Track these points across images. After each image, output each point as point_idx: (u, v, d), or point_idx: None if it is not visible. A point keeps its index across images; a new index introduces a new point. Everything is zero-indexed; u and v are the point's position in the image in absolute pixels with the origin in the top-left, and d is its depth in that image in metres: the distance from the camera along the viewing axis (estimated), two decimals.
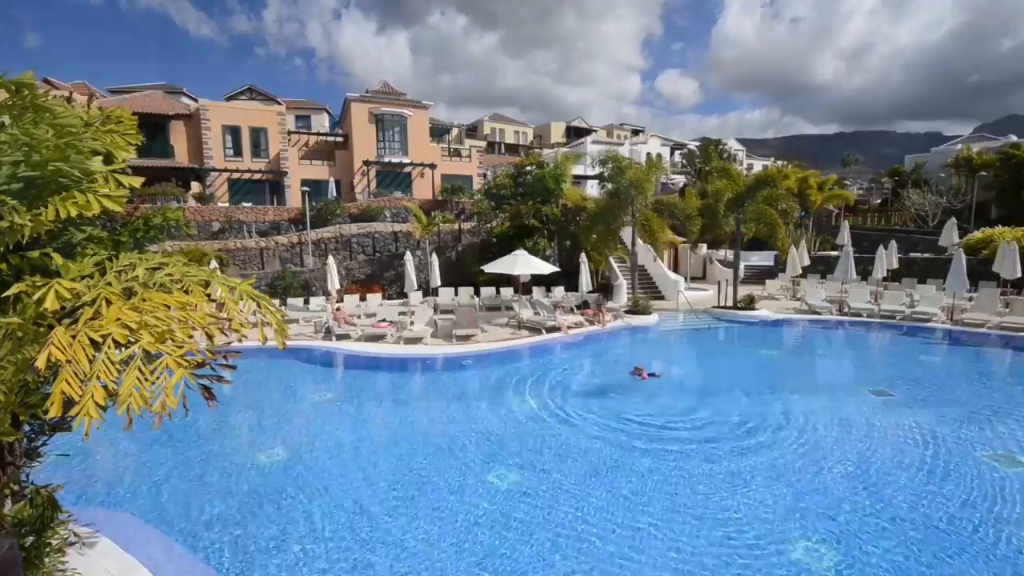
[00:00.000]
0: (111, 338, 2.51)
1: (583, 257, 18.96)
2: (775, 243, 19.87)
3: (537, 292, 20.42)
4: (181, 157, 30.55)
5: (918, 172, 42.50)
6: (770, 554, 5.36)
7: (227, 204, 29.38)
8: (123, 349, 2.58)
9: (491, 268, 17.24)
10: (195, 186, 30.25)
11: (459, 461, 7.68)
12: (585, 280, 18.40)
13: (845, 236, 24.36)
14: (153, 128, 29.53)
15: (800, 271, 23.41)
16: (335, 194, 32.23)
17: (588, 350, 14.95)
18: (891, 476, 7.02)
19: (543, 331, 15.57)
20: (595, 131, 64.09)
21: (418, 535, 5.76)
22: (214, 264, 18.25)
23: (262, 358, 13.23)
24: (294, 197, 31.56)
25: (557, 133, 64.76)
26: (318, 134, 37.87)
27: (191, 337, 2.73)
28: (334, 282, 18.32)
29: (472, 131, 61.06)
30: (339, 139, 36.81)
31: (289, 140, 33.81)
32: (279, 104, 37.07)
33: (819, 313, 18.22)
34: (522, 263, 16.58)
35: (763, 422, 9.05)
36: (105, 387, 2.42)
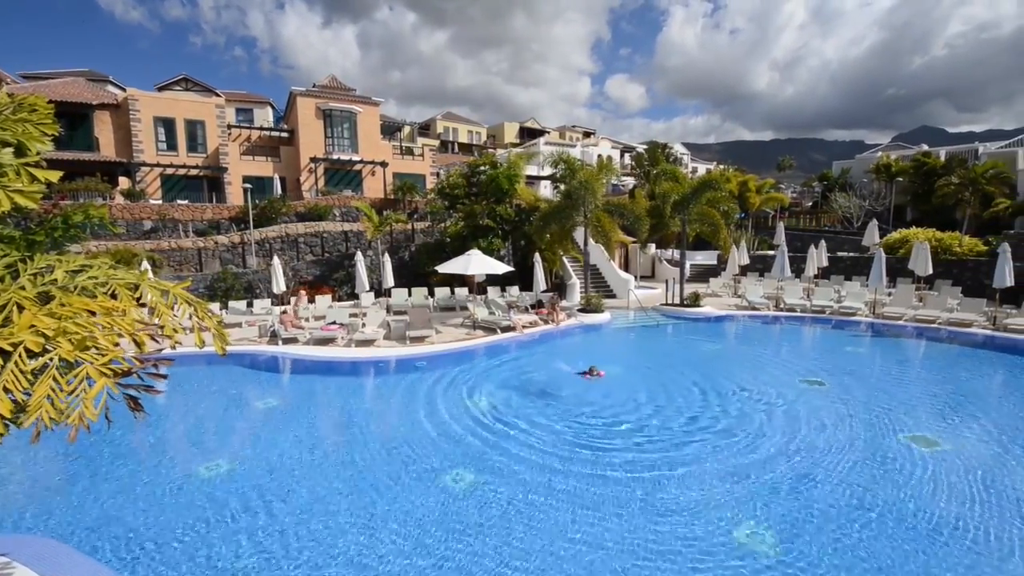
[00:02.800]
0: (23, 346, 2.29)
1: (537, 257, 19.16)
2: (718, 243, 20.87)
3: (492, 292, 20.43)
4: (107, 150, 28.34)
5: (844, 177, 45.87)
6: (717, 536, 5.62)
7: (160, 201, 27.54)
8: (38, 358, 2.37)
9: (445, 268, 17.10)
10: (123, 182, 28.13)
11: (415, 464, 7.56)
12: (539, 279, 18.60)
13: (781, 236, 25.93)
14: (74, 118, 27.23)
15: (740, 269, 24.74)
16: (280, 192, 30.93)
17: (543, 349, 15.11)
18: (823, 457, 7.53)
19: (498, 331, 15.60)
20: (548, 132, 64.91)
21: (375, 544, 5.63)
22: (146, 266, 17.07)
23: (200, 364, 12.53)
24: (235, 194, 30.00)
25: (511, 133, 65.07)
26: (261, 129, 36.17)
27: (117, 344, 2.54)
28: (279, 283, 17.59)
29: (425, 129, 60.30)
30: (284, 134, 35.34)
31: (229, 134, 32.11)
32: (218, 96, 35.09)
33: (758, 309, 19.29)
34: (476, 263, 16.55)
35: (707, 411, 9.51)
36: (14, 399, 2.21)
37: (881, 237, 25.22)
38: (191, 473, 7.27)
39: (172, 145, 29.69)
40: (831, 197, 40.98)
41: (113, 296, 2.95)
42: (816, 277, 22.54)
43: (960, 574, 5.04)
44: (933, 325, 16.08)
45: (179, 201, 27.81)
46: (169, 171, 29.64)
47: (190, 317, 3.09)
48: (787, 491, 6.63)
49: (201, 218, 25.92)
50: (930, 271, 18.51)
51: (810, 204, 51.66)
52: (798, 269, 22.67)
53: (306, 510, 6.28)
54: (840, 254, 26.83)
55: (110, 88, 32.88)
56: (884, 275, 17.54)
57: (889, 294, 19.62)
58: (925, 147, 46.46)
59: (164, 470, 7.45)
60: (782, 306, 19.35)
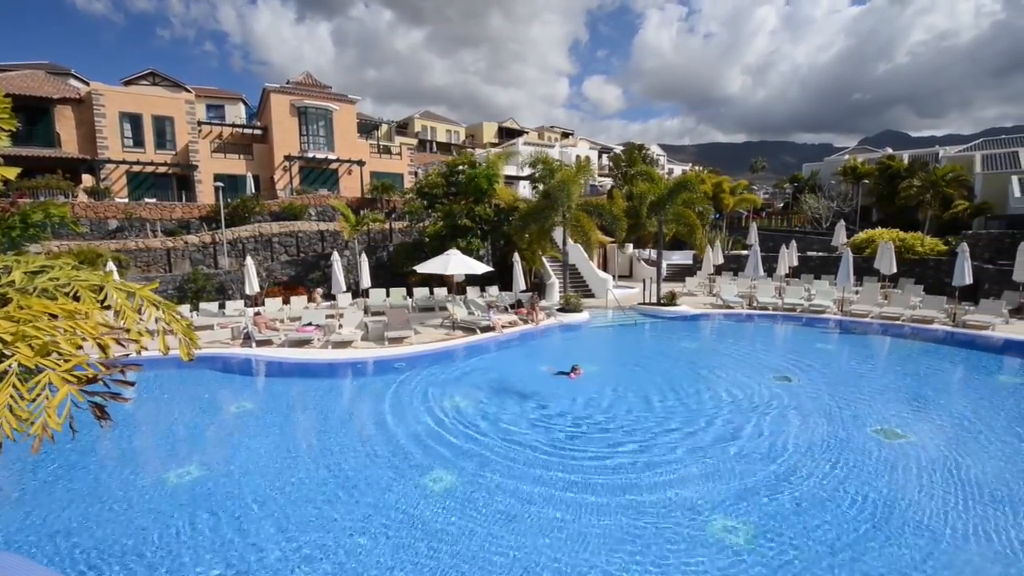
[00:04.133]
0: None
1: (516, 256, 19.18)
2: (693, 243, 21.25)
3: (471, 292, 20.38)
4: (69, 146, 27.24)
5: (814, 179, 47.22)
6: (693, 530, 5.73)
7: (126, 200, 26.60)
8: None
9: (424, 268, 16.97)
10: (87, 179, 27.10)
11: (393, 466, 7.49)
12: (519, 279, 18.63)
13: (753, 236, 26.53)
14: (33, 113, 26.09)
15: (715, 269, 25.24)
16: (253, 190, 30.22)
17: (522, 348, 15.15)
18: (794, 450, 7.75)
19: (477, 331, 15.57)
20: (527, 132, 64.99)
21: (353, 549, 5.56)
22: (111, 266, 16.49)
23: (170, 368, 12.16)
24: (206, 193, 29.18)
25: (489, 133, 64.96)
26: (233, 126, 35.29)
27: (80, 349, 2.44)
28: (253, 285, 17.21)
29: (403, 128, 59.70)
30: (257, 132, 34.56)
31: (199, 131, 31.22)
32: (187, 91, 34.09)
33: (732, 307, 19.71)
34: (455, 263, 16.48)
35: (682, 406, 9.69)
36: None
37: (848, 237, 26.03)
38: (158, 481, 7.05)
39: (139, 141, 28.72)
40: (801, 198, 42.15)
41: (76, 298, 2.84)
42: (787, 276, 23.16)
43: (923, 552, 5.25)
44: (897, 322, 16.70)
45: (147, 200, 26.92)
46: (136, 168, 28.66)
47: (156, 321, 3.00)
48: (760, 481, 6.79)
49: (170, 217, 25.16)
50: (894, 270, 19.21)
51: (781, 205, 53.03)
52: (770, 268, 23.24)
53: (279, 517, 6.15)
54: (810, 254, 27.62)
55: (72, 82, 31.58)
56: (851, 274, 18.14)
57: (856, 292, 20.28)
58: (889, 150, 48.17)
59: (130, 479, 7.21)
60: (755, 304, 19.81)
